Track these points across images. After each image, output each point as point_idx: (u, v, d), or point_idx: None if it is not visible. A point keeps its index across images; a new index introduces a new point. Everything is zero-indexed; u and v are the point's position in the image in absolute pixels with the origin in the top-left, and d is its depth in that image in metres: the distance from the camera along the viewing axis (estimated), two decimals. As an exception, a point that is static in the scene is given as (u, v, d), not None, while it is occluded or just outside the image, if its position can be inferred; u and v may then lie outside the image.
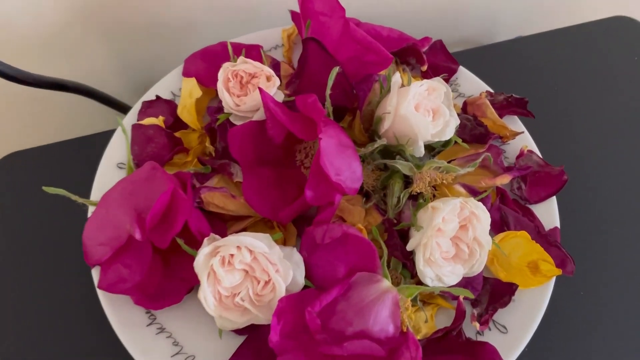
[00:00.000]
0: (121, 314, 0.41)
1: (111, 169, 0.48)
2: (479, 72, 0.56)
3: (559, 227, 0.46)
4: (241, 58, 0.45)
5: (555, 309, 0.47)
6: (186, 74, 0.52)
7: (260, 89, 0.41)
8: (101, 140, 0.51)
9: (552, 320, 0.47)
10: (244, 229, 0.45)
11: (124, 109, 0.62)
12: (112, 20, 0.60)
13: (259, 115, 0.45)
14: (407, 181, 0.46)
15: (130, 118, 0.50)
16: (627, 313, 0.49)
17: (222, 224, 0.44)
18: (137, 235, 0.37)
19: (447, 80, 0.54)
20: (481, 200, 0.45)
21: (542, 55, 0.65)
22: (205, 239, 0.39)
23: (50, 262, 0.51)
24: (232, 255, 0.38)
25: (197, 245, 0.39)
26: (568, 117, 0.60)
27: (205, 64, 0.52)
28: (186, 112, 0.49)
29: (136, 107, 0.51)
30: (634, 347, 0.47)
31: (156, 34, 0.62)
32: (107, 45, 0.62)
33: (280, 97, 0.46)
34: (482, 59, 0.63)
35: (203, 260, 0.38)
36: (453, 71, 0.55)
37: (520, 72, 0.63)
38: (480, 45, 0.67)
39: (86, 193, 0.45)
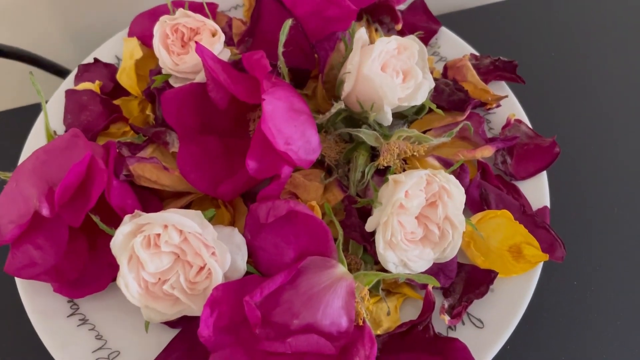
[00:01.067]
0: (39, 302, 0.37)
1: (41, 141, 0.42)
2: (466, 37, 0.49)
3: (548, 206, 0.40)
4: (181, 10, 0.40)
5: (542, 301, 0.42)
6: (131, 34, 0.47)
7: (197, 43, 0.35)
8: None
9: (538, 314, 0.42)
10: (186, 209, 0.39)
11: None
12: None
13: (202, 77, 0.39)
14: (375, 154, 0.41)
15: (67, 85, 0.45)
16: (624, 305, 0.43)
17: (159, 202, 0.39)
18: (45, 211, 0.32)
19: (425, 41, 0.48)
20: (458, 176, 0.39)
21: (536, 17, 0.59)
22: (127, 216, 0.33)
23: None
24: (157, 235, 0.33)
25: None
26: (562, 85, 0.54)
27: (152, 25, 0.46)
28: (125, 75, 0.43)
29: (74, 73, 0.46)
30: (631, 343, 0.41)
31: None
32: (53, 10, 0.56)
33: (226, 55, 0.40)
34: (469, 22, 0.57)
35: (122, 240, 0.33)
36: (433, 32, 0.49)
37: (511, 36, 0.57)
38: (467, 8, 0.60)
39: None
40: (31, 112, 0.52)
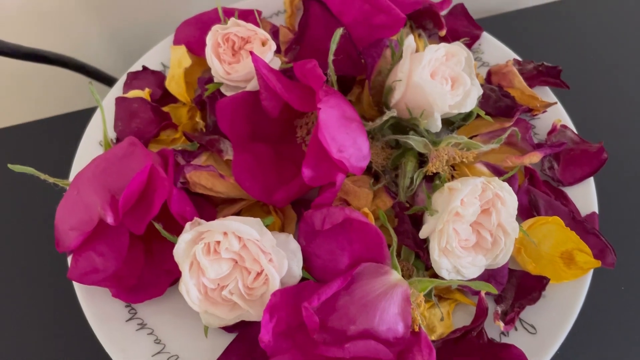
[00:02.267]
0: (98, 308, 0.37)
1: (93, 148, 0.43)
2: (506, 41, 0.49)
3: (597, 212, 0.40)
4: (232, 20, 0.40)
5: (592, 306, 0.42)
6: (177, 42, 0.47)
7: (252, 53, 0.36)
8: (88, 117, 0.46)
9: (588, 320, 0.41)
10: (237, 214, 0.40)
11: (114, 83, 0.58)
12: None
13: (253, 85, 0.39)
14: (422, 160, 0.41)
15: (116, 92, 0.46)
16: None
17: (212, 209, 0.40)
18: (109, 219, 0.33)
19: (469, 46, 0.48)
20: (507, 180, 0.39)
21: (578, 20, 0.58)
22: (188, 224, 0.34)
23: (28, 251, 0.47)
24: (217, 242, 0.33)
25: (180, 231, 0.34)
26: (607, 88, 0.53)
27: (198, 32, 0.47)
28: (174, 83, 0.44)
29: (122, 80, 0.46)
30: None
31: (149, 2, 0.57)
32: (97, 16, 0.57)
33: (276, 64, 0.41)
34: (509, 26, 0.57)
35: (184, 247, 0.33)
36: (476, 37, 0.49)
37: (553, 40, 0.57)
38: (506, 12, 0.60)
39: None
40: (76, 118, 0.53)
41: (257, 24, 0.43)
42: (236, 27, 0.40)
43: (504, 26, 0.57)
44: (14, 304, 0.45)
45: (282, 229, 0.41)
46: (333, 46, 0.38)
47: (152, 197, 0.34)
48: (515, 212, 0.36)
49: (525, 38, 0.56)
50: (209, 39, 0.40)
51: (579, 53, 0.56)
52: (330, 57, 0.38)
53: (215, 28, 0.40)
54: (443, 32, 0.47)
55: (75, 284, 0.38)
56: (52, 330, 0.43)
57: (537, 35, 0.57)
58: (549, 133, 0.43)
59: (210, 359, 0.35)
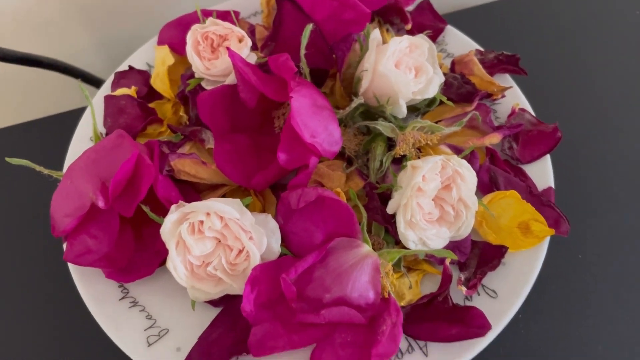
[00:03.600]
0: (93, 288, 0.40)
1: (84, 143, 0.46)
2: (470, 33, 0.53)
3: (553, 187, 0.43)
4: (210, 19, 0.43)
5: (552, 273, 0.45)
6: (160, 42, 0.50)
7: (229, 49, 0.39)
8: (79, 117, 0.49)
9: (548, 285, 0.45)
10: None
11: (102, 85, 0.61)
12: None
13: (231, 79, 0.43)
14: (391, 144, 0.44)
15: (105, 91, 0.49)
16: (627, 276, 0.46)
17: (196, 194, 0.42)
18: (100, 203, 0.36)
19: (433, 39, 0.51)
20: (469, 161, 0.42)
21: (535, 13, 0.62)
22: (173, 206, 0.37)
23: (25, 240, 0.50)
24: (201, 222, 0.36)
25: (166, 214, 0.37)
26: (562, 74, 0.57)
27: (180, 33, 0.50)
28: (159, 80, 0.47)
29: (110, 79, 0.49)
30: (635, 312, 0.44)
31: (133, 8, 0.60)
32: (84, 21, 0.60)
33: (253, 59, 0.44)
34: (473, 20, 0.60)
35: (170, 227, 0.36)
36: (440, 30, 0.52)
37: (512, 32, 0.60)
38: (471, 7, 0.63)
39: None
40: (68, 118, 0.56)
41: (234, 24, 0.46)
42: (214, 26, 0.43)
43: (470, 20, 0.60)
44: (14, 289, 0.47)
45: (263, 211, 0.43)
46: (304, 41, 0.41)
47: (139, 182, 0.37)
48: (475, 188, 0.39)
49: (489, 30, 0.60)
50: (189, 38, 0.43)
51: (537, 43, 0.60)
52: (302, 51, 0.41)
53: (195, 27, 0.43)
54: (409, 26, 0.50)
55: (71, 267, 0.41)
56: (50, 312, 0.46)
57: (499, 27, 0.60)
58: (509, 116, 0.47)
59: (198, 331, 0.38)
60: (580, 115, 0.55)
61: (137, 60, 0.51)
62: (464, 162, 0.38)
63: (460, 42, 0.52)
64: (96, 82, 0.60)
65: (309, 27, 0.41)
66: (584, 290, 0.45)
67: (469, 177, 0.38)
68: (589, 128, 0.54)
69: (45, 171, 0.40)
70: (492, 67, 0.49)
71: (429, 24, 0.52)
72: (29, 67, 0.54)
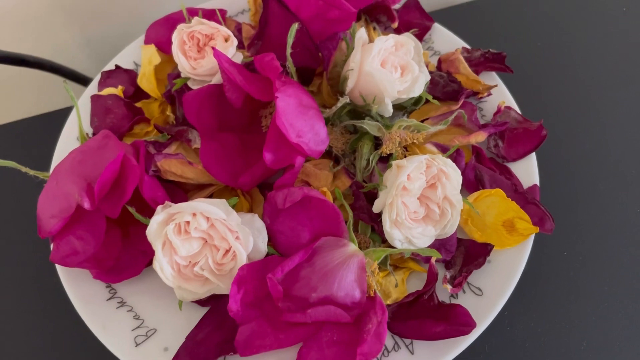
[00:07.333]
0: (80, 289, 0.40)
1: (71, 143, 0.46)
2: (458, 31, 0.53)
3: (538, 184, 0.44)
4: (196, 19, 0.43)
5: (537, 271, 0.46)
6: (147, 42, 0.50)
7: (214, 49, 0.39)
8: (66, 116, 0.49)
9: (533, 282, 0.45)
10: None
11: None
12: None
13: (218, 79, 0.42)
14: (378, 143, 0.44)
15: (91, 90, 0.49)
16: (611, 273, 0.46)
17: (184, 195, 0.42)
18: (86, 205, 0.36)
19: (420, 37, 0.51)
20: (455, 159, 0.43)
21: (521, 10, 0.63)
22: (159, 207, 0.37)
23: (12, 241, 0.50)
24: (187, 222, 0.36)
25: (152, 215, 0.37)
26: (548, 73, 0.58)
27: (166, 32, 0.50)
28: (145, 80, 0.47)
29: (97, 79, 0.49)
30: (618, 308, 0.45)
31: (121, 6, 0.60)
32: (71, 19, 0.59)
33: (239, 58, 0.44)
34: (460, 18, 0.61)
35: (156, 228, 0.36)
36: (427, 28, 0.52)
37: (500, 30, 0.60)
38: (458, 4, 0.64)
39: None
40: (55, 117, 0.56)
41: (220, 23, 0.46)
42: (200, 26, 0.43)
43: (457, 18, 0.61)
44: (0, 290, 0.47)
45: (250, 211, 0.43)
46: (290, 40, 0.41)
47: (125, 183, 0.37)
48: (460, 186, 0.39)
49: (476, 28, 0.60)
50: (175, 37, 0.43)
51: (523, 41, 0.60)
52: (288, 50, 0.41)
53: (181, 27, 0.43)
54: (395, 25, 0.50)
55: (59, 269, 0.41)
56: (38, 313, 0.46)
57: (485, 25, 0.61)
58: (495, 114, 0.47)
59: (185, 331, 0.38)
60: (566, 113, 0.55)
61: (124, 59, 0.51)
62: (449, 160, 0.39)
63: (447, 40, 0.52)
64: (84, 81, 0.60)
65: (295, 26, 0.41)
66: (568, 287, 0.46)
67: (453, 175, 0.39)
68: (575, 126, 0.54)
69: (32, 172, 0.40)
70: (479, 64, 0.49)
71: (416, 22, 0.52)
72: (15, 67, 0.53)
